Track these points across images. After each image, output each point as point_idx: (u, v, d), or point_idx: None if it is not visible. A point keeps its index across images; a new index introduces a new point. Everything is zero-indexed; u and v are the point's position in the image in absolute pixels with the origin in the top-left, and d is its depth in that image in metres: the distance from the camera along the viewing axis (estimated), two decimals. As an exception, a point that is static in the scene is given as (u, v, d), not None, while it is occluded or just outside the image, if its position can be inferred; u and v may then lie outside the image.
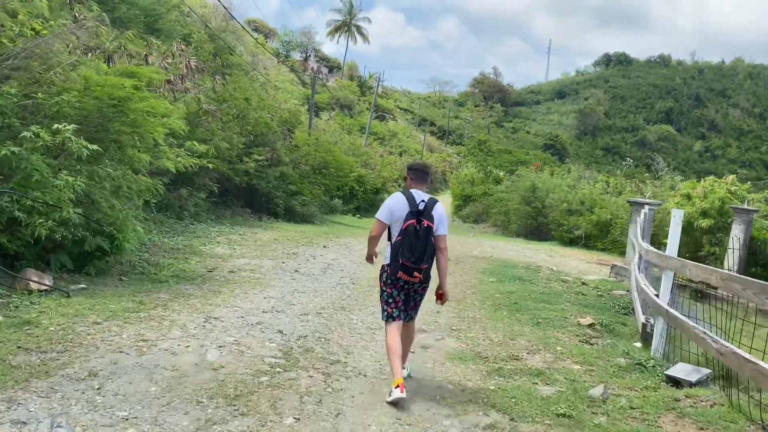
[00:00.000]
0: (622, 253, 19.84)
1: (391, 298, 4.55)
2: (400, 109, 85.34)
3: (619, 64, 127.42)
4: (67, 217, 5.88)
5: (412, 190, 4.48)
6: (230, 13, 34.95)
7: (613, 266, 11.98)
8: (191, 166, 10.62)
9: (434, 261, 4.45)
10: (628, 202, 11.73)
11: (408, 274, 4.37)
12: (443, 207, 4.58)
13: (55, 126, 5.72)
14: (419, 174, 4.59)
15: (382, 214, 4.45)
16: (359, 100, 66.16)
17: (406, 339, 4.63)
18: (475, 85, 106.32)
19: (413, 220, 4.31)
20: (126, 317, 5.28)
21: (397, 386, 4.12)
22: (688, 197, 15.23)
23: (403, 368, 4.50)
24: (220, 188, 18.56)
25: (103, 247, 6.65)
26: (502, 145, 56.97)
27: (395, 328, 4.46)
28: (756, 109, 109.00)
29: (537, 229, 25.52)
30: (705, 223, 14.18)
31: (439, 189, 61.10)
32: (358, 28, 75.65)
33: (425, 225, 4.31)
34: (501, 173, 35.19)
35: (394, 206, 4.42)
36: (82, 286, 6.27)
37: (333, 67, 79.18)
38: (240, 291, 7.17)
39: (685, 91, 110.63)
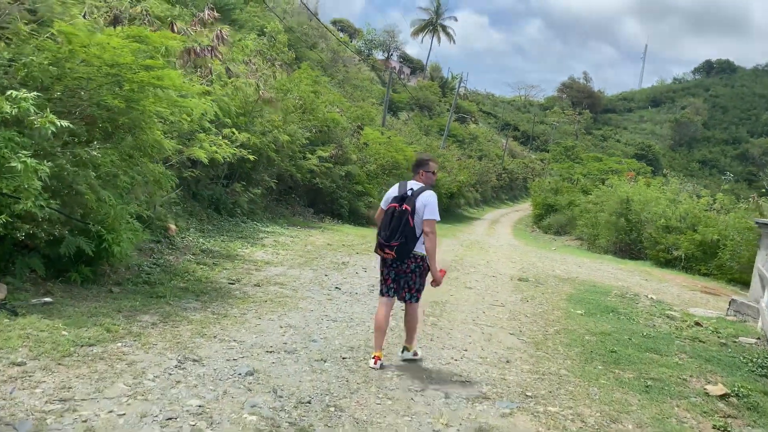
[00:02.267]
0: (731, 281, 17.08)
1: (381, 275, 5.01)
2: (483, 112, 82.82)
3: (722, 72, 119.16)
4: (31, 209, 4.54)
5: (410, 180, 4.96)
6: (307, 8, 34.06)
7: (732, 301, 9.68)
8: (229, 156, 9.25)
9: (410, 241, 4.70)
10: (757, 223, 9.41)
11: (381, 250, 4.82)
12: (431, 194, 4.81)
13: (10, 92, 4.39)
14: (413, 166, 5.06)
15: (382, 201, 4.99)
16: (440, 101, 64.31)
17: (408, 319, 5.07)
18: (563, 89, 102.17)
19: (396, 204, 4.79)
20: (68, 353, 3.86)
21: (374, 357, 4.79)
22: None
23: (405, 350, 5.11)
24: (282, 185, 17.38)
25: (85, 250, 5.30)
26: (590, 152, 53.51)
27: (382, 303, 4.96)
28: None
29: (628, 247, 22.87)
30: None
31: (519, 197, 58.30)
32: (444, 27, 73.87)
33: (403, 208, 4.72)
34: (588, 182, 32.40)
35: (389, 193, 4.98)
36: (47, 300, 4.94)
37: (416, 68, 77.71)
38: (253, 315, 5.65)
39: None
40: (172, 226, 9.24)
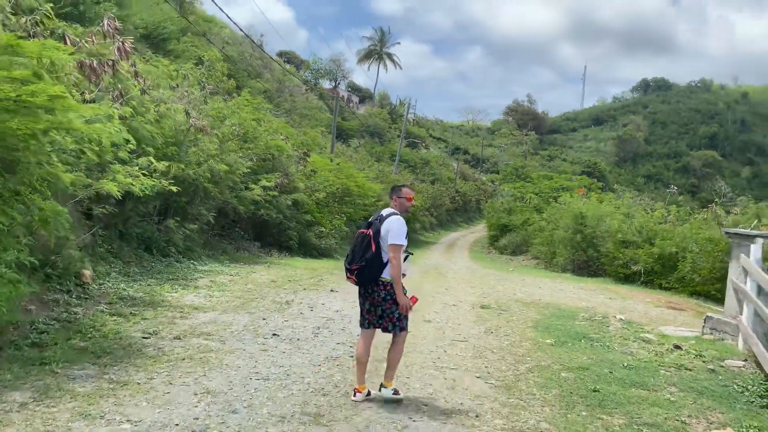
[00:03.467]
0: (693, 294, 16.71)
1: (360, 306, 4.93)
2: (433, 137, 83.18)
3: (658, 90, 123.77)
4: None
5: (386, 208, 4.97)
6: (249, 37, 33.22)
7: (707, 318, 9.05)
8: (147, 189, 8.18)
9: (372, 265, 4.64)
10: (727, 233, 8.86)
11: (346, 275, 4.84)
12: (396, 220, 4.74)
13: None
14: (390, 193, 5.14)
15: None
16: (390, 127, 64.11)
17: (390, 351, 4.88)
18: (509, 112, 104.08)
19: (363, 229, 4.84)
20: None
21: (354, 390, 4.76)
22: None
23: (382, 386, 4.82)
24: (224, 219, 16.23)
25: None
26: (539, 172, 54.07)
27: (361, 336, 4.90)
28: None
29: (586, 264, 22.46)
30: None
31: (473, 218, 58.15)
32: (389, 55, 74.20)
33: (363, 232, 4.79)
34: (541, 201, 32.22)
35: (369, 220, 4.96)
36: None
37: (365, 96, 77.66)
38: (162, 380, 4.59)
39: (730, 116, 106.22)
40: (87, 272, 8.07)
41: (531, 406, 4.79)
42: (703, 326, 9.07)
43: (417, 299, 4.90)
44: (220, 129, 14.45)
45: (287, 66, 58.41)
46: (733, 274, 8.58)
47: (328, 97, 57.73)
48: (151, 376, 4.64)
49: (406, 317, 4.78)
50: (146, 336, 5.82)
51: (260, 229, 17.47)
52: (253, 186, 15.89)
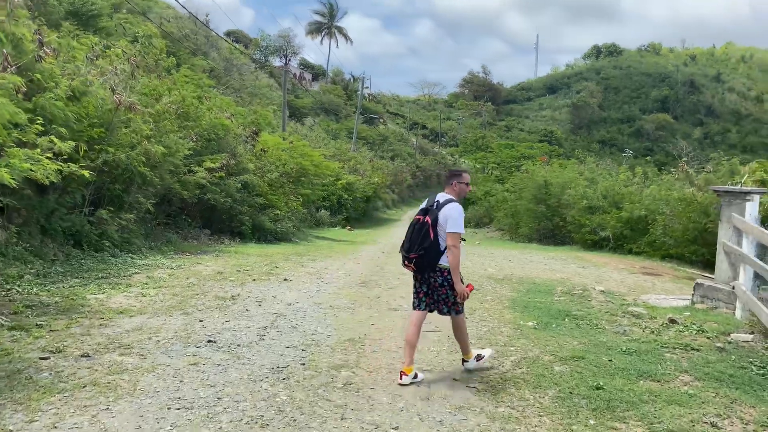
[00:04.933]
0: (666, 257, 16.17)
1: (414, 287, 4.86)
2: (390, 113, 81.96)
3: (610, 56, 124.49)
4: None
5: (441, 193, 4.85)
6: (192, 13, 31.32)
7: (697, 285, 8.33)
8: (51, 174, 6.92)
9: (431, 253, 4.56)
10: (716, 191, 8.10)
11: (403, 263, 4.77)
12: (454, 207, 4.63)
13: None
14: (446, 178, 5.03)
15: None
16: (346, 104, 62.65)
17: (455, 333, 4.90)
18: (464, 85, 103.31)
19: (419, 216, 4.71)
20: None
21: (400, 372, 4.55)
22: (763, 183, 11.65)
23: (464, 361, 4.91)
24: (169, 207, 14.91)
25: None
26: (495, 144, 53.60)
27: (413, 316, 4.84)
28: (752, 92, 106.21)
29: (552, 232, 21.90)
30: (794, 215, 10.56)
31: (435, 193, 57.55)
32: (339, 29, 72.31)
33: (421, 220, 4.64)
34: (503, 171, 31.60)
35: (421, 205, 4.85)
36: None
37: (318, 73, 75.68)
38: (46, 423, 3.46)
39: (679, 78, 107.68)
40: None
41: (526, 417, 3.86)
42: (693, 294, 8.36)
43: (473, 287, 4.91)
44: (154, 107, 13.06)
45: (235, 45, 56.14)
46: (725, 236, 7.83)
47: (278, 75, 55.77)
48: (32, 416, 3.51)
49: (461, 302, 4.74)
50: (45, 356, 4.66)
51: (209, 216, 16.18)
52: (196, 169, 14.58)
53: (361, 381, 4.48)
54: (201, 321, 6.17)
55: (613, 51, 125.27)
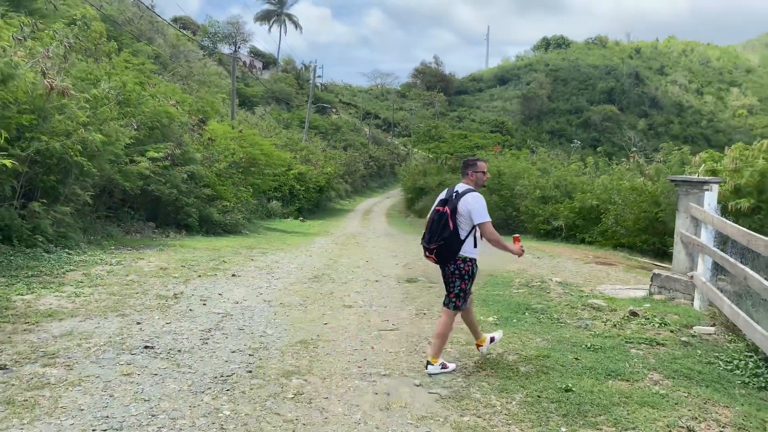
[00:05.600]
0: (617, 246, 16.33)
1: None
2: (342, 103, 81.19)
3: (558, 47, 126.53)
4: None
5: (459, 183, 4.79)
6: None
7: (654, 276, 8.25)
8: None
9: (450, 243, 4.54)
10: (673, 181, 8.02)
11: (424, 254, 4.77)
12: (474, 196, 4.59)
13: None
14: (461, 168, 4.90)
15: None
16: (297, 93, 61.62)
17: (438, 325, 4.77)
18: (416, 75, 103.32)
19: (439, 207, 4.68)
20: None
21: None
22: (714, 173, 11.77)
23: (429, 364, 4.62)
24: (111, 198, 14.12)
25: None
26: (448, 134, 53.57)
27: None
28: (693, 85, 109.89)
29: (506, 222, 21.89)
30: (745, 203, 10.69)
31: (389, 183, 57.23)
32: (289, 16, 71.01)
33: (440, 211, 4.62)
34: (457, 161, 31.49)
35: (439, 196, 4.84)
36: None
37: (268, 62, 74.20)
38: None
39: (625, 71, 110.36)
40: None
41: (495, 427, 3.56)
42: (651, 285, 8.28)
43: (519, 237, 4.93)
44: (91, 93, 12.25)
45: (183, 32, 54.30)
46: (682, 226, 7.76)
47: (228, 63, 54.32)
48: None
49: (465, 295, 4.68)
50: (-49, 372, 4.11)
51: (154, 208, 15.43)
52: (139, 159, 13.82)
53: (313, 390, 4.10)
54: (139, 323, 5.66)
55: (561, 43, 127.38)
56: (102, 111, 12.36)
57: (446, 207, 4.59)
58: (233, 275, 8.87)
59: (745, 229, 5.26)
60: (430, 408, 3.86)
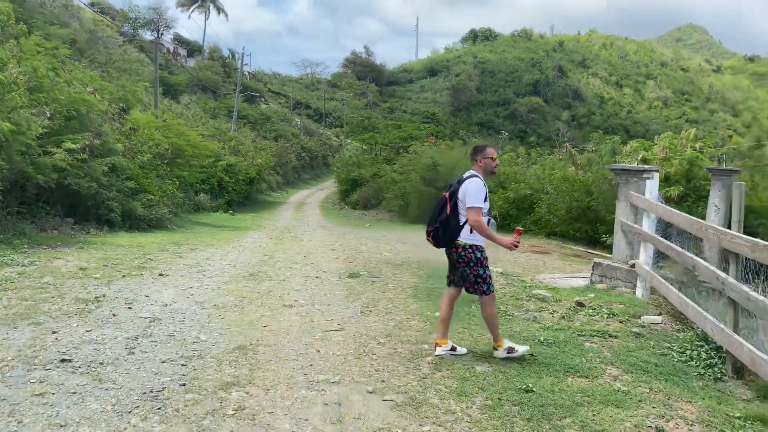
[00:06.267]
0: (550, 234, 16.59)
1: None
2: (272, 92, 79.46)
3: (486, 40, 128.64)
4: None
5: (469, 170, 4.77)
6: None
7: (595, 265, 8.28)
8: None
9: (446, 228, 4.58)
10: (613, 170, 8.04)
11: (426, 237, 4.89)
12: (474, 181, 4.56)
13: None
14: (470, 155, 4.89)
15: None
16: (224, 81, 59.70)
17: (483, 315, 4.82)
18: (347, 65, 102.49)
19: (444, 192, 4.75)
20: None
21: (435, 343, 4.86)
22: (645, 162, 12.04)
23: (495, 349, 4.71)
24: (23, 193, 13.02)
25: None
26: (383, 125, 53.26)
27: (445, 292, 5.04)
28: (613, 77, 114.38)
29: (442, 213, 21.90)
30: (674, 191, 10.97)
31: (321, 175, 56.48)
32: (213, 1, 68.75)
33: (443, 196, 4.70)
34: (391, 152, 31.36)
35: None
36: None
37: (193, 50, 71.56)
38: None
39: (549, 64, 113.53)
40: None
41: (460, 437, 3.29)
42: (592, 274, 8.31)
43: (521, 231, 4.77)
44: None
45: (101, 17, 51.45)
46: (622, 215, 7.80)
47: (150, 50, 51.98)
48: None
49: (483, 280, 4.62)
50: None
51: (72, 203, 14.36)
52: (54, 150, 12.80)
53: (256, 404, 3.70)
54: (54, 333, 5.06)
55: (488, 36, 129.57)
56: (10, 98, 11.34)
57: (445, 193, 4.65)
58: (161, 274, 8.25)
59: (693, 218, 5.23)
60: (387, 418, 3.55)
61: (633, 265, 7.44)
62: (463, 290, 4.84)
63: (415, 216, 23.10)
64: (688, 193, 11.36)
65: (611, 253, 12.79)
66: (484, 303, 4.69)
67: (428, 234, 4.75)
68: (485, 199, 4.53)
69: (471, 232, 4.54)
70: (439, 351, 4.71)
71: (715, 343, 4.80)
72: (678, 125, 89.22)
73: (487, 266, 4.68)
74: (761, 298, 3.77)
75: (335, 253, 11.64)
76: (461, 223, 4.54)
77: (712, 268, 4.68)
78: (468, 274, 4.63)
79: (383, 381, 4.15)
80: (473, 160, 4.75)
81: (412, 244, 13.75)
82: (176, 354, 4.67)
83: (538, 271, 10.51)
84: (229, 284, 7.79)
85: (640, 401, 3.78)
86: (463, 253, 4.59)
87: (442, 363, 4.55)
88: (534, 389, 3.95)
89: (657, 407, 3.69)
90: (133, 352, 4.65)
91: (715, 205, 10.81)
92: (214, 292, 7.18)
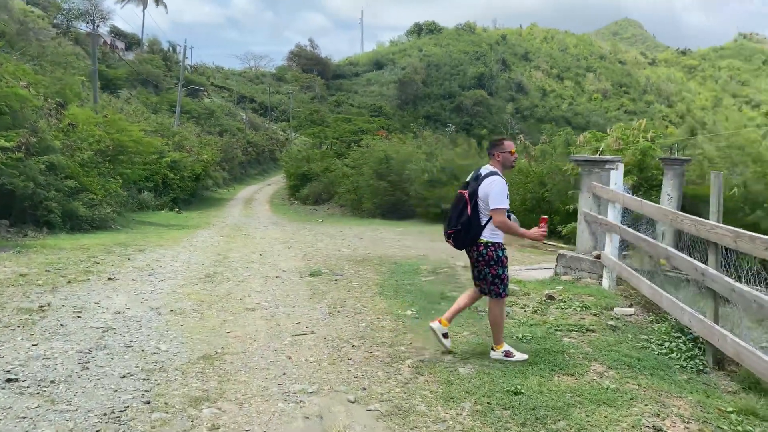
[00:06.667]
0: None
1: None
2: (215, 86, 77.54)
3: (430, 33, 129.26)
4: None
5: (485, 165, 4.58)
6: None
7: (560, 256, 8.26)
8: None
9: (468, 229, 4.41)
10: (575, 161, 8.03)
11: (445, 238, 4.67)
12: (494, 179, 4.37)
13: None
14: (488, 149, 4.73)
15: None
16: (166, 75, 57.83)
17: (489, 316, 4.63)
18: (292, 58, 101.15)
19: (461, 190, 4.55)
20: None
21: (438, 319, 4.71)
22: (597, 152, 12.18)
23: (492, 349, 4.56)
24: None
25: None
26: (332, 118, 52.60)
27: (468, 290, 4.89)
28: (554, 70, 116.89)
29: (395, 207, 21.78)
30: (628, 181, 11.13)
31: (269, 170, 55.46)
32: (153, -8, 66.49)
33: (460, 194, 4.51)
34: (342, 146, 31.01)
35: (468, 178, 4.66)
36: None
37: (131, 43, 69.01)
38: None
39: (493, 57, 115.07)
40: None
41: (454, 449, 3.10)
42: (557, 265, 8.28)
43: (546, 218, 4.60)
44: None
45: (31, 9, 48.90)
46: (585, 206, 7.79)
47: (85, 43, 49.77)
48: None
49: (501, 280, 4.48)
50: None
51: (7, 204, 13.48)
52: (-15, 148, 11.97)
53: (231, 420, 3.41)
54: (-5, 350, 4.60)
55: (433, 29, 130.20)
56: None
57: (465, 191, 4.45)
58: (110, 279, 7.75)
59: (666, 208, 5.20)
60: (373, 430, 3.32)
61: (598, 256, 7.43)
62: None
63: (369, 210, 22.92)
64: (641, 182, 11.57)
65: (567, 244, 12.97)
66: (494, 304, 4.54)
67: (448, 236, 4.56)
68: (507, 196, 4.41)
69: (493, 229, 4.42)
70: (433, 325, 4.63)
71: (692, 334, 4.78)
72: (617, 117, 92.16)
73: (507, 266, 4.54)
74: (747, 289, 3.72)
75: (292, 251, 11.31)
76: (483, 223, 4.40)
77: (690, 258, 4.65)
78: (487, 273, 4.48)
79: (364, 389, 3.92)
80: (490, 155, 4.58)
81: (370, 240, 13.54)
82: (136, 367, 4.30)
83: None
84: (185, 287, 7.38)
85: (631, 399, 3.68)
86: (484, 251, 4.44)
87: (423, 366, 4.35)
88: (522, 391, 3.80)
89: (650, 405, 3.60)
90: (88, 367, 4.26)
91: (668, 194, 11.03)
92: (169, 297, 6.77)
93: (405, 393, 3.84)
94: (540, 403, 3.61)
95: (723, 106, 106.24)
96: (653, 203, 5.70)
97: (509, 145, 4.57)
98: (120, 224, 17.15)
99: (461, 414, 3.51)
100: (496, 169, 4.48)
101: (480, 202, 4.38)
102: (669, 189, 11.03)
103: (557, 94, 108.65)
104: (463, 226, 4.41)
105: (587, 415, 3.45)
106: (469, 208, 4.39)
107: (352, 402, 3.71)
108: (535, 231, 4.43)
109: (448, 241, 4.62)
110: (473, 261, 4.57)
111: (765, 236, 3.59)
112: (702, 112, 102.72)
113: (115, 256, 9.97)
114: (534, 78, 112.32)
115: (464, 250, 4.60)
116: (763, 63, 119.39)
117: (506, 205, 4.36)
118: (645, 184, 11.67)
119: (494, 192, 4.31)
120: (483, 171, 4.50)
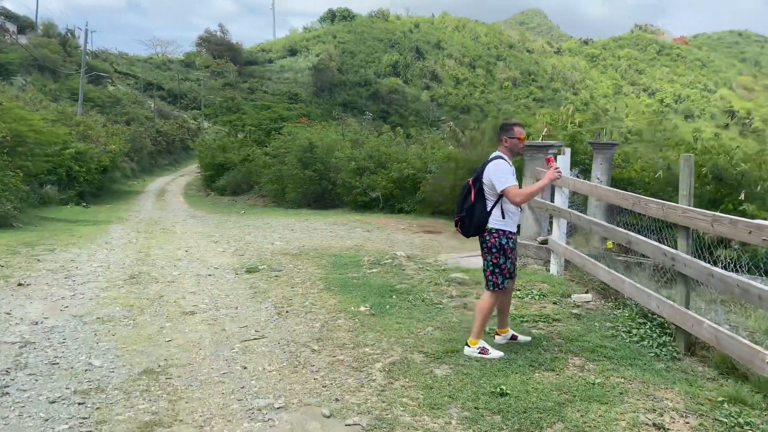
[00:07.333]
0: (435, 213, 16.61)
1: None
2: (119, 72, 73.39)
3: (344, 20, 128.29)
4: None
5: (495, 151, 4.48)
6: None
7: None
8: None
9: (472, 215, 4.32)
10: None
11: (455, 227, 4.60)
12: (496, 163, 4.27)
13: None
14: (497, 134, 4.58)
15: None
16: (65, 61, 54.00)
17: (476, 307, 4.53)
18: (201, 44, 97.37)
19: (470, 177, 4.45)
20: None
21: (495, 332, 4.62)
22: (528, 137, 12.26)
23: (466, 345, 4.34)
24: None
25: None
26: (250, 105, 50.71)
27: None
28: (466, 58, 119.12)
29: (321, 196, 21.26)
30: (559, 166, 11.26)
31: (180, 160, 53.13)
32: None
33: (468, 182, 4.42)
34: (261, 133, 30.01)
35: None
36: None
37: (24, 26, 63.95)
38: None
39: (407, 45, 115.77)
40: None
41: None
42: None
43: (551, 157, 4.64)
44: None
45: None
46: (530, 192, 7.69)
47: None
48: None
49: (501, 271, 4.26)
50: None
51: None
52: None
53: (195, 448, 2.95)
54: None
55: (346, 15, 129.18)
56: None
57: (470, 179, 4.39)
58: (20, 284, 6.91)
59: (629, 193, 5.13)
60: (359, 450, 2.97)
61: (543, 242, 7.38)
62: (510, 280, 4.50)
63: (294, 200, 22.25)
64: (570, 167, 11.72)
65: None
66: (487, 296, 4.33)
67: (456, 223, 4.48)
68: (513, 175, 4.23)
69: (503, 217, 4.26)
70: (498, 339, 4.55)
71: (656, 319, 4.73)
72: (526, 104, 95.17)
73: (509, 257, 4.31)
74: (728, 273, 3.65)
75: (220, 246, 10.65)
76: (488, 209, 4.26)
77: (657, 243, 4.58)
78: (488, 261, 4.30)
79: (338, 400, 3.55)
80: (499, 141, 4.41)
81: (301, 231, 13.04)
82: (67, 389, 3.72)
83: (436, 252, 10.31)
84: (109, 290, 6.68)
85: (621, 394, 3.53)
86: (487, 237, 4.27)
87: (395, 369, 4.03)
88: (508, 391, 3.56)
89: (641, 399, 3.46)
90: (8, 392, 3.64)
91: (597, 178, 11.25)
92: (93, 302, 6.07)
93: (383, 402, 3.50)
94: (529, 405, 3.38)
95: (623, 93, 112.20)
96: (611, 188, 5.64)
97: (519, 131, 4.38)
98: (22, 222, 15.68)
99: (450, 423, 3.22)
100: (500, 153, 4.35)
101: (485, 188, 4.27)
102: (599, 173, 11.25)
103: (470, 83, 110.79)
104: (466, 213, 4.32)
105: (581, 415, 3.25)
106: (472, 194, 4.31)
107: (328, 417, 3.33)
108: (550, 173, 4.31)
109: (457, 229, 4.51)
110: (480, 249, 4.42)
111: (747, 219, 3.51)
112: (604, 99, 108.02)
113: (22, 257, 8.97)
114: (447, 66, 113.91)
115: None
116: (657, 53, 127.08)
117: (514, 182, 4.19)
118: (574, 168, 11.85)
119: (496, 173, 4.20)
120: (490, 156, 4.39)
